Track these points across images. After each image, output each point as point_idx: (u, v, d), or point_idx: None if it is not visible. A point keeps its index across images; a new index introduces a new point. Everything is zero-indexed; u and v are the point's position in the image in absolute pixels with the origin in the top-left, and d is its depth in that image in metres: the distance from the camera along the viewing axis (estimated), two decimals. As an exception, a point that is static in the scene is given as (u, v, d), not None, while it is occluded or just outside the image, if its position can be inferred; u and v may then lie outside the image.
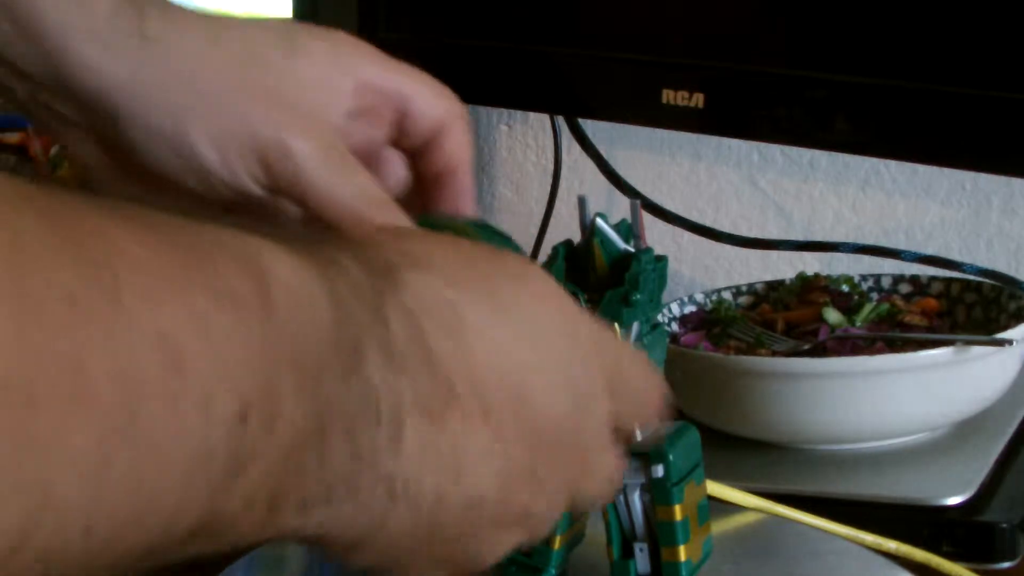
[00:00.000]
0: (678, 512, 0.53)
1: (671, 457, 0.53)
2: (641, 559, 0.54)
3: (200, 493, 0.33)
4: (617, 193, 1.10)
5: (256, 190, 0.53)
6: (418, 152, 0.58)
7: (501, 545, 0.44)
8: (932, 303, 0.89)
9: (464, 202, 0.57)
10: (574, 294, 0.54)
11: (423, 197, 0.57)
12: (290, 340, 0.35)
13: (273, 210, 0.56)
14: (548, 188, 1.15)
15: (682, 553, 0.53)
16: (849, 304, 0.88)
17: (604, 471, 0.46)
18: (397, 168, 0.58)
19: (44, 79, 0.52)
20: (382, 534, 0.39)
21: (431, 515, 0.40)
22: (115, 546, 0.31)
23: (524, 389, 0.41)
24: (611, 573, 0.55)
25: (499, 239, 0.52)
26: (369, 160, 0.57)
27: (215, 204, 0.55)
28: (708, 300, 0.93)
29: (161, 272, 0.32)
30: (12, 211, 0.29)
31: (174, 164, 0.52)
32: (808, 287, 0.91)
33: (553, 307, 0.44)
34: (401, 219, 0.52)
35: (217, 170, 0.52)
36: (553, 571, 0.55)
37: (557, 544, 0.55)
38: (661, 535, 0.53)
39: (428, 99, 0.56)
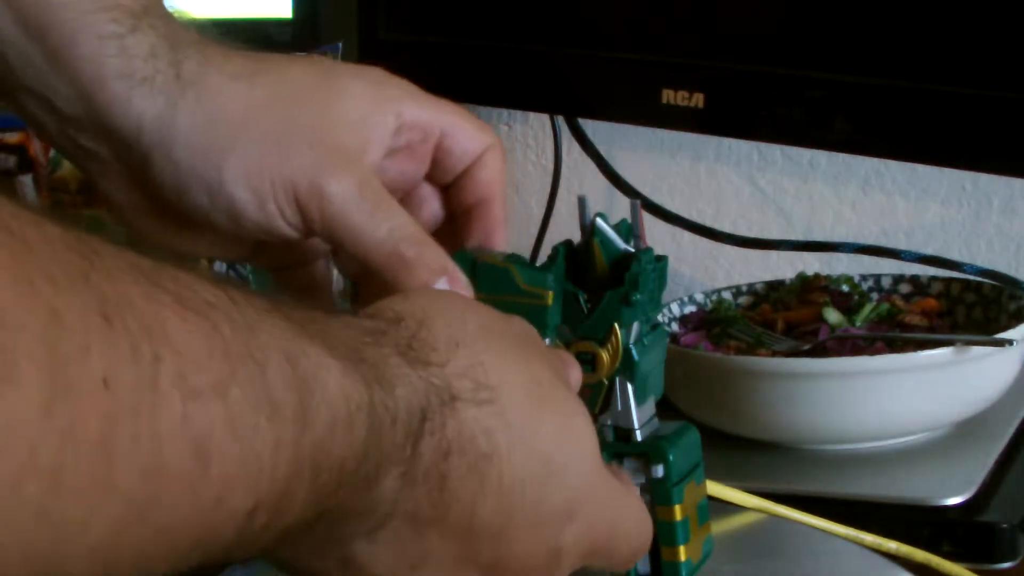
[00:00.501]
0: (678, 512, 0.53)
1: (671, 457, 0.53)
2: (641, 559, 0.54)
3: (196, 559, 0.34)
4: (617, 193, 1.10)
5: (289, 231, 0.52)
6: (453, 184, 0.57)
7: None
8: (932, 303, 0.89)
9: (497, 234, 0.56)
10: (574, 294, 0.54)
11: (456, 229, 0.57)
12: (318, 455, 0.36)
13: (302, 249, 0.57)
14: (548, 188, 1.15)
15: (682, 553, 0.53)
16: (849, 304, 0.88)
17: None
18: (432, 203, 0.58)
19: (77, 115, 0.52)
20: None
21: None
22: None
23: (509, 536, 0.43)
24: (611, 573, 0.55)
25: (535, 273, 0.52)
26: (405, 195, 0.57)
27: (245, 242, 0.55)
28: (708, 300, 0.93)
29: (203, 362, 0.32)
30: (51, 287, 0.29)
31: (205, 204, 0.52)
32: (808, 287, 0.91)
33: (578, 457, 0.45)
34: (439, 256, 0.52)
35: (250, 211, 0.52)
36: None
37: None
38: (661, 535, 0.53)
39: (467, 133, 0.56)
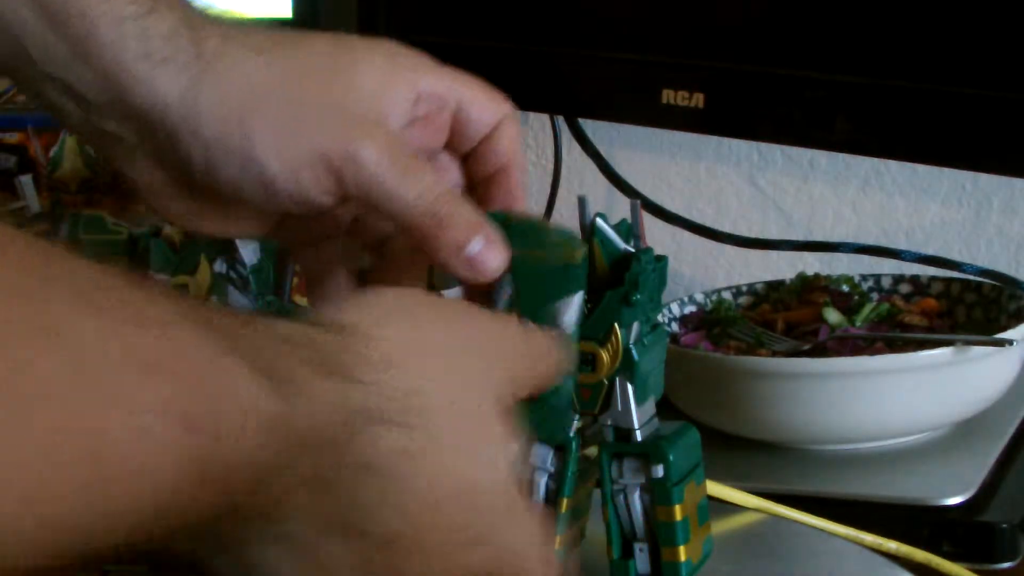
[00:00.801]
0: (678, 512, 0.53)
1: (671, 457, 0.53)
2: (641, 559, 0.54)
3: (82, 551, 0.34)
4: (617, 193, 1.10)
5: (321, 199, 0.53)
6: (471, 154, 0.58)
7: None
8: (932, 303, 0.89)
9: (519, 200, 0.57)
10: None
11: (478, 197, 0.58)
12: (223, 464, 0.37)
13: (325, 223, 0.57)
14: (548, 188, 1.15)
15: (682, 553, 0.53)
16: (849, 304, 0.88)
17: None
18: (451, 172, 0.59)
19: (100, 101, 0.52)
20: None
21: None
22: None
23: (417, 555, 0.44)
24: (611, 573, 0.55)
25: (567, 231, 0.53)
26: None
27: (270, 218, 0.56)
28: (708, 300, 0.93)
29: (109, 365, 0.33)
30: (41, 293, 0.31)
31: (237, 178, 0.52)
32: (808, 287, 0.91)
33: (494, 486, 0.46)
34: (471, 213, 0.53)
35: (283, 182, 0.52)
36: None
37: (557, 544, 0.55)
38: (661, 535, 0.53)
39: (483, 104, 0.57)
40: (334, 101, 0.53)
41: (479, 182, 0.58)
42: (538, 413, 0.53)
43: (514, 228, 0.53)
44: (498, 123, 0.57)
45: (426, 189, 0.52)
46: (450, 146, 0.58)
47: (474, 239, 0.52)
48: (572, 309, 0.53)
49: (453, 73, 0.57)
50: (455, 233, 0.52)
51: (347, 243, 0.59)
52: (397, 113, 0.55)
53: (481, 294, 0.54)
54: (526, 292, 0.53)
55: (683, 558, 0.53)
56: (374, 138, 0.52)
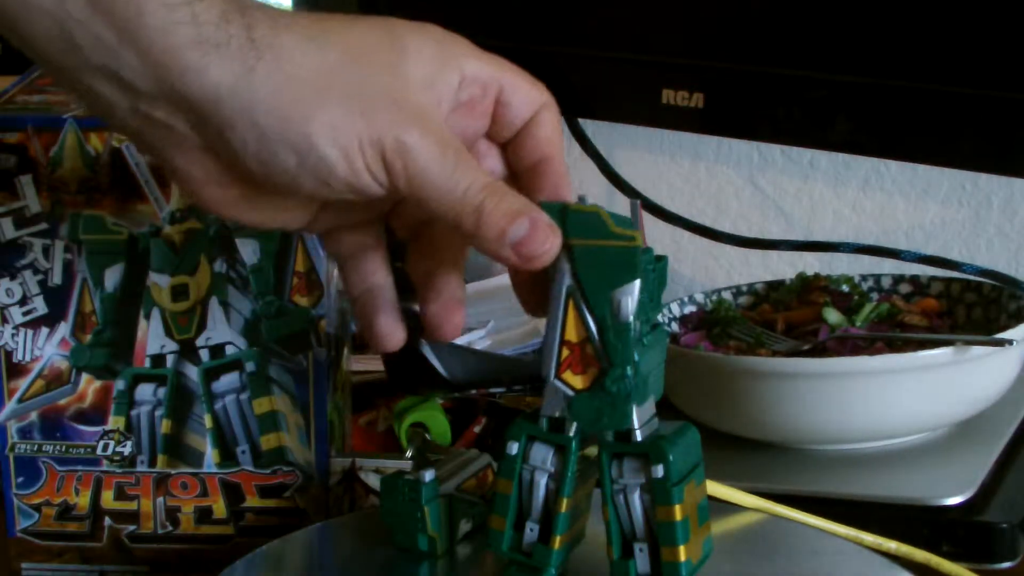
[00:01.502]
0: (678, 512, 0.53)
1: (671, 457, 0.53)
2: (641, 559, 0.54)
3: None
4: (617, 193, 1.10)
5: (375, 187, 0.52)
6: (512, 143, 0.58)
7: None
8: (932, 303, 0.89)
9: (564, 189, 0.57)
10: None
11: (521, 187, 0.57)
12: None
13: (363, 211, 0.57)
14: (548, 188, 1.15)
15: (682, 553, 0.53)
16: (849, 304, 0.88)
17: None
18: (491, 160, 0.58)
19: (149, 88, 0.52)
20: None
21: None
22: None
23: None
24: (611, 573, 0.55)
25: (624, 218, 0.53)
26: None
27: (310, 208, 0.56)
28: (708, 300, 0.93)
29: None
30: None
31: (293, 167, 0.52)
32: (808, 287, 0.92)
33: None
34: (517, 201, 0.53)
35: (339, 170, 0.52)
36: (553, 571, 0.55)
37: (557, 544, 0.55)
38: (661, 535, 0.53)
39: (525, 90, 0.57)
40: (389, 89, 0.53)
41: (522, 172, 0.58)
42: (596, 402, 0.53)
43: (572, 216, 0.53)
44: (538, 111, 0.57)
45: (473, 183, 0.52)
46: (490, 133, 0.58)
47: (516, 223, 0.52)
48: (632, 296, 0.53)
49: (495, 58, 0.57)
50: (497, 220, 0.52)
51: (383, 227, 0.59)
52: (445, 98, 0.55)
53: (542, 283, 0.54)
54: (586, 280, 0.53)
55: (683, 558, 0.53)
56: (426, 128, 0.52)
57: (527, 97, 0.57)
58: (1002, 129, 0.80)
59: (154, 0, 0.51)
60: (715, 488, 0.68)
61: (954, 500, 0.74)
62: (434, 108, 0.54)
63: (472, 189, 0.52)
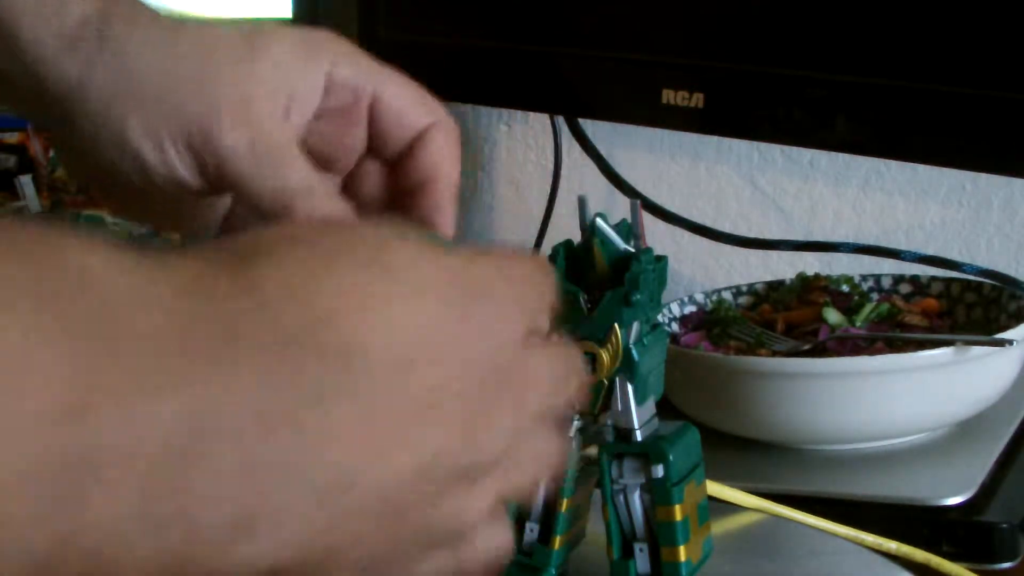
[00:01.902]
0: (678, 512, 0.53)
1: (671, 457, 0.53)
2: (641, 559, 0.54)
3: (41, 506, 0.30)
4: (617, 193, 1.10)
5: (193, 182, 0.51)
6: (398, 162, 0.55)
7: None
8: (932, 303, 0.89)
9: (441, 217, 0.54)
10: (574, 294, 0.54)
11: (399, 210, 0.55)
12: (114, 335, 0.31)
13: (206, 206, 0.56)
14: (548, 188, 1.15)
15: (682, 553, 0.53)
16: (849, 304, 0.88)
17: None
18: (374, 178, 0.56)
19: (26, 87, 0.52)
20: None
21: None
22: None
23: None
24: (611, 573, 0.55)
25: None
26: (339, 164, 0.55)
27: (157, 204, 0.54)
28: (708, 300, 0.93)
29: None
30: None
31: (116, 159, 0.51)
32: (808, 287, 0.91)
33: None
34: (336, 207, 0.51)
35: (152, 161, 0.51)
36: (553, 571, 0.55)
37: (557, 544, 0.55)
38: (661, 535, 0.53)
39: (405, 103, 0.54)
40: (218, 83, 0.51)
41: (403, 192, 0.55)
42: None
43: None
44: (426, 129, 0.54)
45: (287, 184, 0.50)
46: (373, 148, 0.55)
47: None
48: None
49: (376, 66, 0.54)
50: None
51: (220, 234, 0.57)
52: (304, 101, 0.53)
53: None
54: None
55: (683, 558, 0.53)
56: (237, 122, 0.51)
57: (412, 111, 0.54)
58: (1002, 129, 0.80)
59: None
60: (715, 488, 0.68)
61: (954, 500, 0.73)
62: (283, 110, 0.52)
63: (285, 190, 0.50)
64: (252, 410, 0.33)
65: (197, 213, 0.56)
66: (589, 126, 1.10)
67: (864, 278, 0.93)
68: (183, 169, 0.51)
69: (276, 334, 0.34)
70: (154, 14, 0.52)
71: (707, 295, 0.94)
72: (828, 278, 0.92)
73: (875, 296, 0.91)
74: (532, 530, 0.56)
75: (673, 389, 0.82)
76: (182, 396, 0.32)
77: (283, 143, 0.51)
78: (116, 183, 0.52)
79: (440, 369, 0.37)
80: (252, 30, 0.53)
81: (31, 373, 0.30)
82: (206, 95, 0.51)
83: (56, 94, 0.51)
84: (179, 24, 0.52)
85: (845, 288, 0.91)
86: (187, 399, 0.32)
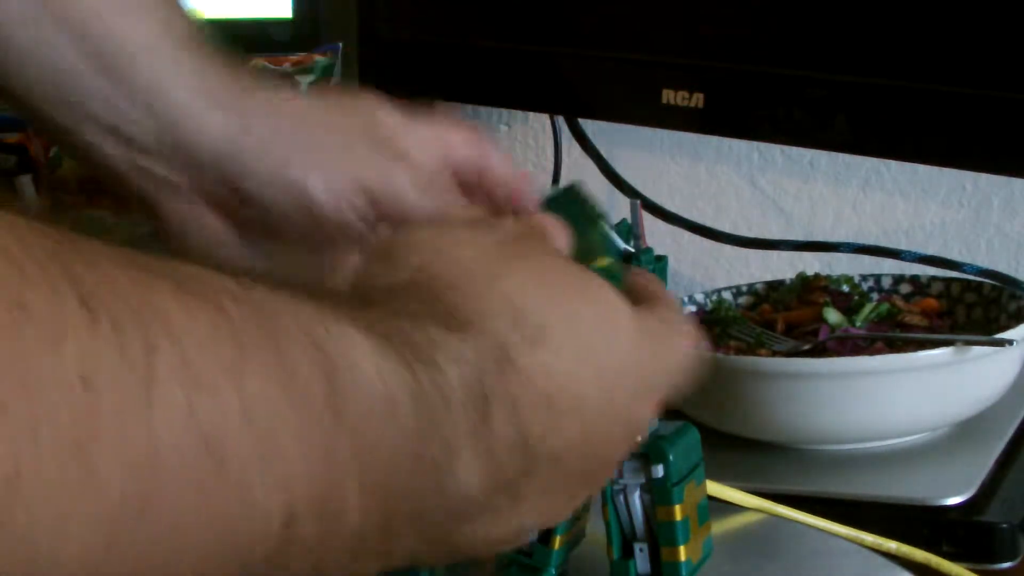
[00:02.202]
0: (678, 512, 0.53)
1: (671, 457, 0.53)
2: (641, 559, 0.54)
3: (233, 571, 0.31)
4: (617, 193, 1.10)
5: (358, 223, 0.56)
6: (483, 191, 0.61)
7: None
8: (932, 303, 0.89)
9: (514, 183, 0.60)
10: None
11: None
12: (360, 448, 0.33)
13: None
14: (548, 188, 1.15)
15: (682, 553, 0.53)
16: (849, 304, 0.88)
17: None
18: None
19: (148, 141, 0.53)
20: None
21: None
22: None
23: (594, 446, 0.42)
24: (611, 573, 0.55)
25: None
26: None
27: (308, 241, 0.59)
28: (708, 300, 0.93)
29: (208, 349, 0.29)
30: (17, 276, 0.26)
31: (285, 207, 0.56)
32: (808, 287, 0.91)
33: (618, 342, 0.44)
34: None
35: (328, 209, 0.56)
36: (553, 571, 0.55)
37: (557, 544, 0.55)
38: (661, 535, 0.53)
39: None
40: (366, 137, 0.57)
41: (479, 194, 0.61)
42: None
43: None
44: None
45: (443, 204, 0.56)
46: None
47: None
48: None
49: (473, 136, 0.60)
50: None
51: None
52: (430, 164, 0.59)
53: None
54: None
55: (683, 558, 0.53)
56: (409, 169, 0.57)
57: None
58: (1002, 129, 0.79)
59: (155, 54, 0.52)
60: (715, 488, 0.68)
61: (954, 500, 0.73)
62: (405, 152, 0.58)
63: (439, 208, 0.56)
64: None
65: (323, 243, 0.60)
66: (589, 126, 1.10)
67: (864, 278, 0.93)
68: (355, 213, 0.56)
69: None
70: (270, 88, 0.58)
71: (707, 295, 0.94)
72: (828, 278, 0.92)
73: (875, 296, 0.91)
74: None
75: (673, 389, 0.81)
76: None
77: (436, 178, 0.58)
78: (263, 224, 0.57)
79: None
80: (353, 94, 0.60)
81: None
82: (367, 149, 0.57)
83: (200, 147, 0.55)
84: (286, 90, 0.59)
85: (845, 288, 0.91)
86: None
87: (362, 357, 0.33)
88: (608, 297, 0.43)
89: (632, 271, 0.51)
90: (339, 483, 0.32)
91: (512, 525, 0.40)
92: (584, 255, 0.49)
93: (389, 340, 0.35)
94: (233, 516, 0.29)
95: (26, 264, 0.26)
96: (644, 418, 0.46)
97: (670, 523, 0.53)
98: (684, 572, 0.53)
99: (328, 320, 0.33)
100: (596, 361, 0.41)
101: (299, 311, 0.33)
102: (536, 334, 0.39)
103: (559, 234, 0.47)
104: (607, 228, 0.53)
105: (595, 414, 0.41)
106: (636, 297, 0.45)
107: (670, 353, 0.47)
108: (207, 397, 0.29)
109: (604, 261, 0.50)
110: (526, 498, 0.40)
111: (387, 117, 0.58)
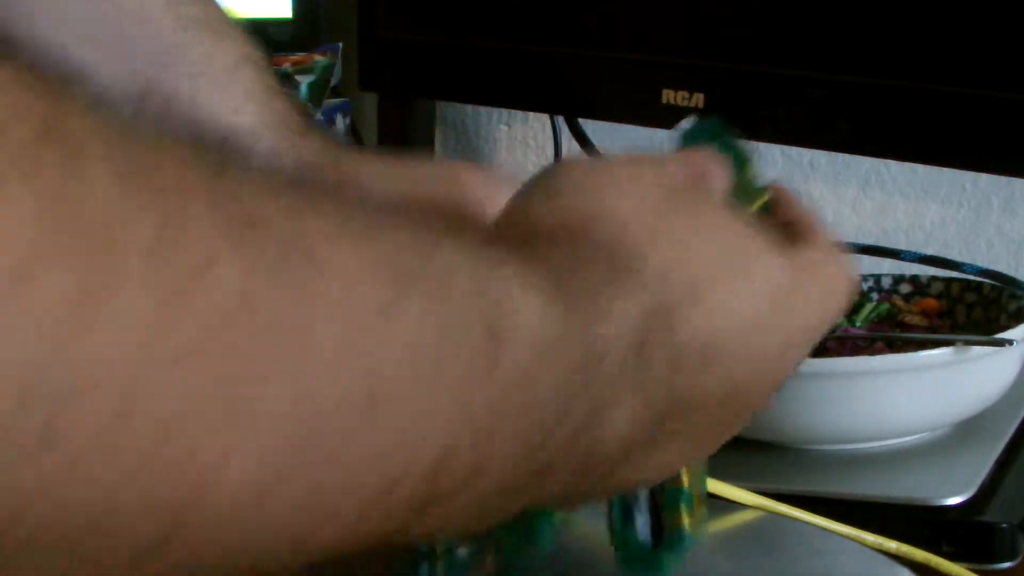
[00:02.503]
0: (685, 480, 0.53)
1: None
2: (642, 523, 0.54)
3: (373, 531, 0.30)
4: (617, 193, 1.10)
5: None
6: None
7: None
8: (932, 303, 0.89)
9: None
10: None
11: None
12: (518, 396, 0.32)
13: None
14: (548, 188, 1.14)
15: (686, 518, 0.53)
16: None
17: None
18: None
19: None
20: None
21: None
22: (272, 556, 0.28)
23: (750, 388, 0.42)
24: (612, 542, 0.54)
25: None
26: None
27: None
28: (708, 300, 0.93)
29: (367, 284, 0.28)
30: (176, 192, 0.24)
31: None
32: (808, 287, 0.91)
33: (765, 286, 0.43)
34: None
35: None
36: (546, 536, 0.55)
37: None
38: (666, 502, 0.53)
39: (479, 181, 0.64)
40: (456, 202, 0.58)
41: None
42: None
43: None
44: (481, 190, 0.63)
45: None
46: None
47: None
48: None
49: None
50: None
51: None
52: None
53: None
54: None
55: (687, 523, 0.53)
56: None
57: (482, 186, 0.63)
58: (1002, 129, 0.79)
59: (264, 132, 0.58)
60: (715, 487, 0.68)
61: (954, 500, 0.73)
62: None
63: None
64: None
65: None
66: (589, 126, 1.10)
67: (864, 278, 0.92)
68: None
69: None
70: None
71: (707, 295, 0.94)
72: (828, 278, 0.92)
73: (875, 296, 0.91)
74: None
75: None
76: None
77: None
78: None
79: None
80: (434, 162, 0.63)
81: None
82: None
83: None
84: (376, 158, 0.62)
85: (845, 288, 0.91)
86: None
87: (525, 302, 0.33)
88: (766, 254, 0.42)
89: (785, 202, 0.50)
90: (489, 439, 0.31)
91: (652, 466, 0.42)
92: (740, 196, 0.49)
93: (556, 285, 0.34)
94: (383, 466, 0.29)
95: (186, 179, 0.25)
96: (793, 367, 0.45)
97: (677, 490, 0.53)
98: (687, 541, 0.53)
99: (493, 261, 0.33)
100: (752, 319, 0.41)
101: (462, 249, 0.32)
102: (696, 290, 0.39)
103: (719, 176, 0.46)
104: (756, 165, 0.53)
105: (746, 369, 0.41)
106: (790, 233, 0.44)
107: (825, 297, 0.45)
108: (363, 334, 0.27)
109: (760, 201, 0.50)
110: (668, 444, 0.41)
111: (473, 179, 0.60)
